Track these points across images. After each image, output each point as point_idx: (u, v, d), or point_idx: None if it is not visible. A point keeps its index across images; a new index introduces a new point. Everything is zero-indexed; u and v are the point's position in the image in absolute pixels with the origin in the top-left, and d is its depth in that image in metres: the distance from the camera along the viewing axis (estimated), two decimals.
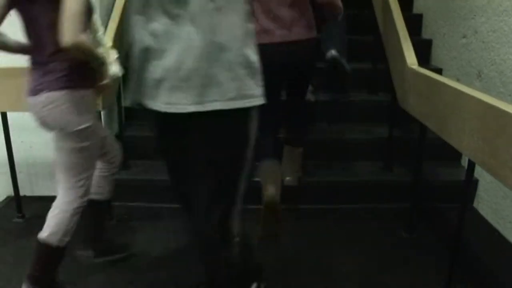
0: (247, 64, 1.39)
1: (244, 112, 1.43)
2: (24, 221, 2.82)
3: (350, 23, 3.55)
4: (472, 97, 1.81)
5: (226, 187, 1.59)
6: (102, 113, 2.56)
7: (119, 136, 3.09)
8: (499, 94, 2.79)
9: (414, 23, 3.93)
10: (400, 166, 3.11)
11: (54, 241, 1.88)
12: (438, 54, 3.73)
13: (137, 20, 1.41)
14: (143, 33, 1.39)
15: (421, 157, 2.61)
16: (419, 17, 4.08)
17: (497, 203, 2.80)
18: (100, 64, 1.83)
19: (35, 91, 1.77)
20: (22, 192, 2.88)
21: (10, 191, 2.92)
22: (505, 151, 1.55)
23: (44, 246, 1.89)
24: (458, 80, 3.32)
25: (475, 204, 3.04)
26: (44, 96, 1.75)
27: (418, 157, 2.61)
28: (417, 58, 2.64)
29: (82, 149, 1.86)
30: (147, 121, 1.65)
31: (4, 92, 2.46)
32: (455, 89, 1.97)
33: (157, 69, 1.38)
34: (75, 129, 1.80)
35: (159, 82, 1.38)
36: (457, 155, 3.14)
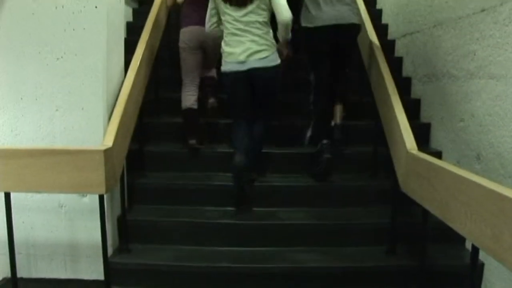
0: None
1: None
2: None
3: (351, 110, 3.68)
4: (472, 182, 1.83)
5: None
6: (105, 196, 2.57)
7: (121, 219, 3.09)
8: (499, 176, 2.81)
9: (413, 108, 4.04)
10: (403, 250, 3.06)
11: None
12: (437, 137, 3.79)
13: None
14: None
15: (425, 241, 2.58)
16: (417, 101, 4.19)
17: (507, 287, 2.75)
18: None
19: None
20: (19, 274, 2.83)
21: (7, 273, 2.86)
22: (508, 236, 1.54)
23: None
24: (458, 162, 3.35)
25: None
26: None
27: (422, 241, 2.59)
28: (417, 141, 2.69)
29: None
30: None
31: (8, 173, 2.48)
32: (455, 174, 1.99)
33: None
34: None
35: None
36: (461, 238, 3.11)
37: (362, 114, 3.89)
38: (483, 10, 3.07)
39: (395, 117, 2.88)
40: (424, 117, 4.09)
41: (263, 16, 3.13)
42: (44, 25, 2.78)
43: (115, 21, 3.03)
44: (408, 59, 4.54)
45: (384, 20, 5.36)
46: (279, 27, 3.15)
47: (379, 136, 3.31)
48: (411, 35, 4.44)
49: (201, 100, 3.83)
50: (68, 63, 2.80)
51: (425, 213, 2.41)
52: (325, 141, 3.45)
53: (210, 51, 3.74)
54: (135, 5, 5.72)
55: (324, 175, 3.48)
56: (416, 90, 4.30)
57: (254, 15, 3.10)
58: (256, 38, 3.12)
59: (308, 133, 3.79)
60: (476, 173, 2.97)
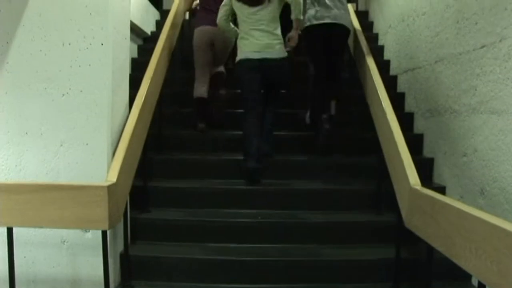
0: None
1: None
2: None
3: (354, 145, 3.68)
4: (476, 217, 1.82)
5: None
6: (108, 232, 2.56)
7: (124, 255, 3.06)
8: (504, 211, 2.80)
9: (416, 143, 4.06)
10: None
11: None
12: (440, 172, 3.79)
13: None
14: None
15: (430, 278, 2.54)
16: (420, 136, 4.21)
17: None
18: None
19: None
20: None
21: None
22: None
23: None
24: (461, 197, 3.34)
25: None
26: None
27: (427, 278, 2.55)
28: (420, 176, 2.68)
29: None
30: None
31: (11, 208, 2.48)
32: (459, 209, 1.98)
33: None
34: None
35: None
36: (467, 275, 3.06)
37: (365, 150, 3.90)
38: (483, 46, 3.12)
39: (398, 153, 2.89)
40: (427, 152, 4.10)
41: (274, 13, 3.71)
42: (51, 61, 2.83)
43: (120, 57, 3.08)
44: (410, 94, 4.58)
45: (386, 56, 5.43)
46: (293, 7, 3.69)
47: (382, 172, 3.31)
48: (413, 70, 4.50)
49: (212, 92, 4.41)
50: (74, 99, 2.83)
51: (430, 249, 2.39)
52: (324, 115, 3.97)
53: (219, 50, 4.37)
54: (140, 42, 5.83)
55: (324, 147, 4.01)
56: (419, 125, 4.33)
57: (265, 12, 3.68)
58: (266, 34, 3.70)
59: (308, 114, 4.36)
60: (480, 208, 2.97)
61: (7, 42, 2.83)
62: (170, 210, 3.54)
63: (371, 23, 6.20)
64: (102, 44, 2.82)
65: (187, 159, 3.98)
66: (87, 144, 2.84)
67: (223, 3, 3.84)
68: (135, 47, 5.62)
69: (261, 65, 3.69)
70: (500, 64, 2.92)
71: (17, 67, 2.83)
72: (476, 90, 3.21)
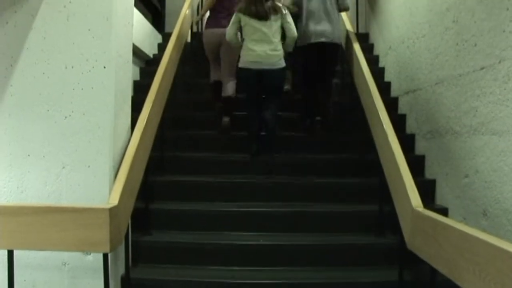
0: None
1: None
2: None
3: (355, 167, 3.68)
4: (480, 239, 1.81)
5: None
6: (109, 254, 2.55)
7: (125, 278, 3.04)
8: (507, 232, 2.79)
9: (417, 164, 4.06)
10: None
11: None
12: (442, 194, 3.78)
13: None
14: None
15: None
16: (422, 158, 4.21)
17: None
18: None
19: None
20: None
21: None
22: None
23: None
24: (464, 219, 3.33)
25: None
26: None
27: None
28: (422, 198, 2.68)
29: None
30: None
31: (12, 230, 2.47)
32: (462, 231, 1.97)
33: None
34: None
35: None
36: None
37: (366, 171, 3.91)
38: (482, 68, 3.14)
39: (399, 175, 2.88)
40: (429, 173, 4.09)
41: (278, 30, 4.23)
42: (54, 84, 2.85)
43: (122, 80, 3.10)
44: (411, 116, 4.60)
45: (387, 78, 5.46)
46: (288, 40, 4.33)
47: (384, 194, 3.30)
48: (414, 92, 4.52)
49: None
50: (76, 121, 2.85)
51: (433, 271, 2.37)
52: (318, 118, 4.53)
53: (223, 52, 4.71)
54: (142, 64, 5.88)
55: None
56: (420, 146, 4.33)
57: (270, 28, 4.17)
58: (270, 46, 4.18)
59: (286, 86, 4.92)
60: (483, 229, 2.96)
61: (11, 65, 2.86)
62: (172, 233, 3.52)
63: (372, 45, 6.25)
64: (104, 67, 2.85)
65: (189, 181, 3.97)
66: (89, 166, 2.85)
67: (232, 21, 4.27)
68: (137, 69, 5.67)
69: (259, 74, 4.18)
70: (499, 85, 2.93)
71: (20, 90, 2.86)
72: (476, 111, 3.23)
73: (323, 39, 4.41)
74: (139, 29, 5.41)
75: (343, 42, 4.80)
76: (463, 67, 3.43)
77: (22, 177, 2.85)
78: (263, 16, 4.16)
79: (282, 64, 4.24)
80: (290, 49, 4.40)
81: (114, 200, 2.59)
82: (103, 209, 2.46)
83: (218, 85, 4.82)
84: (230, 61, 4.70)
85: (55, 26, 2.87)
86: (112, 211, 2.48)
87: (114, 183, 2.76)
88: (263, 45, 4.16)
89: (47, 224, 2.43)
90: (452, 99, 3.61)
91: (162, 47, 6.17)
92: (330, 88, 4.72)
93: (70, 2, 2.86)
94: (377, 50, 6.04)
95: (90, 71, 2.85)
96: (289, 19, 4.27)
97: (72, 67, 2.85)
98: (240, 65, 4.29)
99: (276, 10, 4.21)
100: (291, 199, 3.84)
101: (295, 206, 3.76)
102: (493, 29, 3.02)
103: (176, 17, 5.04)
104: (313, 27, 4.45)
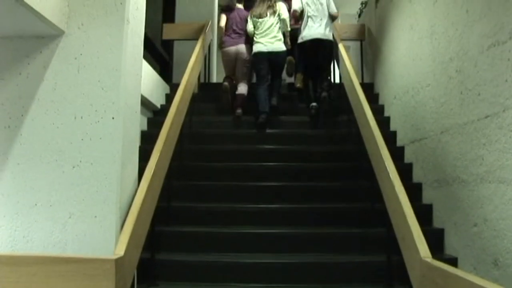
0: None
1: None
2: None
3: (362, 217, 3.74)
4: None
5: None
6: None
7: None
8: None
9: (425, 213, 4.03)
10: None
11: None
12: (451, 243, 3.73)
13: None
14: None
15: None
16: (429, 207, 4.18)
17: None
18: None
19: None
20: None
21: None
22: None
23: None
24: (474, 269, 3.27)
25: None
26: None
27: None
28: (431, 247, 2.64)
29: None
30: None
31: (16, 280, 2.41)
32: (472, 283, 1.94)
33: None
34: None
35: None
36: None
37: (373, 221, 3.88)
38: (487, 116, 3.17)
39: (407, 225, 2.85)
40: (437, 222, 4.05)
41: (274, 22, 5.87)
42: (63, 134, 2.90)
43: (130, 131, 3.14)
44: (417, 165, 4.60)
45: (392, 127, 5.49)
46: (282, 24, 5.97)
47: (391, 244, 3.26)
48: (420, 141, 4.53)
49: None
50: (84, 171, 2.87)
51: None
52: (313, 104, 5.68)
53: (239, 64, 6.00)
54: (150, 114, 5.95)
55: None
56: (428, 195, 4.31)
57: (271, 23, 5.85)
58: (273, 35, 5.82)
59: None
60: (495, 279, 2.91)
61: (22, 115, 2.92)
62: (178, 285, 3.46)
63: (377, 95, 6.32)
64: (113, 118, 2.90)
65: (197, 232, 3.94)
66: (95, 216, 2.85)
67: (248, 21, 6.00)
68: (145, 119, 5.73)
69: (268, 55, 5.77)
70: (505, 133, 2.95)
71: (30, 139, 2.90)
72: (483, 159, 3.23)
73: (319, 37, 5.82)
74: (147, 80, 5.50)
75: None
76: (468, 116, 3.46)
77: (28, 226, 2.85)
78: (260, 16, 5.91)
79: (283, 48, 5.87)
80: (287, 32, 6.04)
81: (120, 251, 2.58)
82: (108, 260, 2.44)
83: (243, 97, 5.83)
84: (243, 72, 5.97)
85: (65, 77, 2.94)
86: (118, 262, 2.46)
87: (121, 234, 2.75)
88: (268, 36, 5.83)
89: (52, 274, 2.41)
90: (458, 148, 3.62)
91: (169, 98, 6.26)
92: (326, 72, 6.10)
93: (81, 54, 2.95)
94: (382, 100, 6.10)
95: (98, 121, 2.90)
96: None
97: (81, 118, 2.90)
98: (253, 51, 5.84)
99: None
100: (298, 249, 3.80)
101: (303, 256, 3.71)
102: (496, 78, 3.07)
103: (184, 68, 5.14)
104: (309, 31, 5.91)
